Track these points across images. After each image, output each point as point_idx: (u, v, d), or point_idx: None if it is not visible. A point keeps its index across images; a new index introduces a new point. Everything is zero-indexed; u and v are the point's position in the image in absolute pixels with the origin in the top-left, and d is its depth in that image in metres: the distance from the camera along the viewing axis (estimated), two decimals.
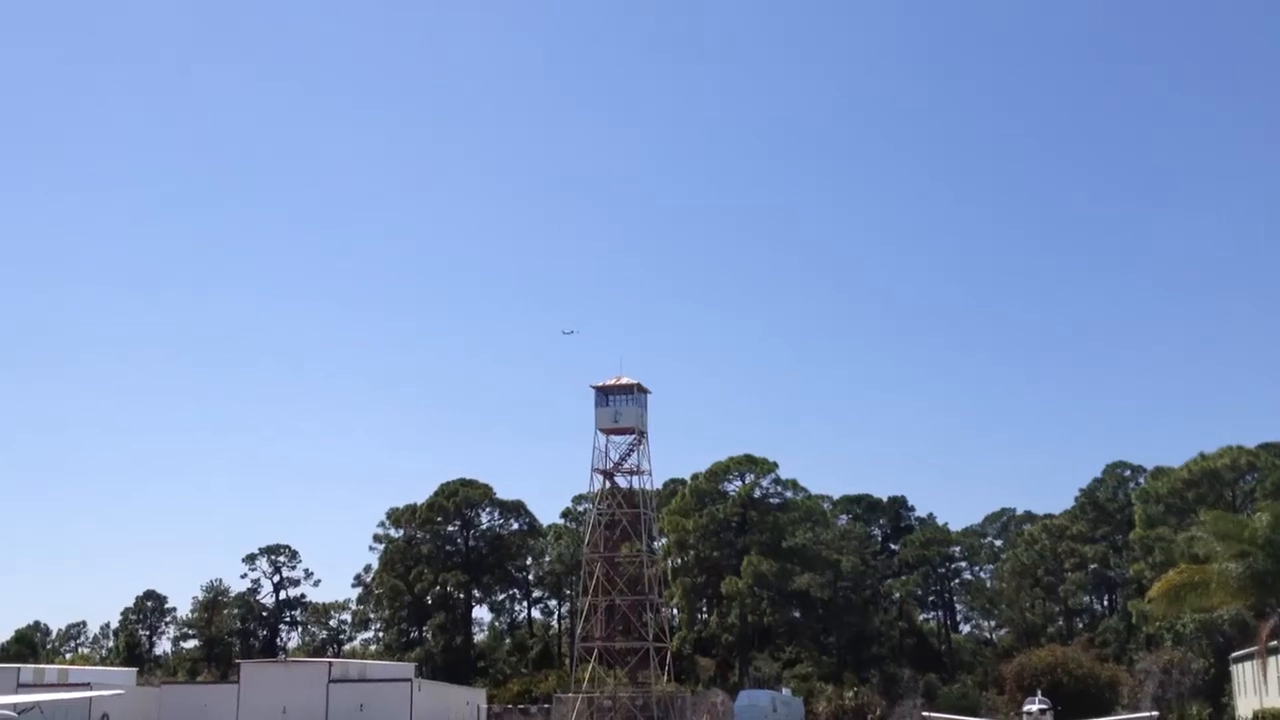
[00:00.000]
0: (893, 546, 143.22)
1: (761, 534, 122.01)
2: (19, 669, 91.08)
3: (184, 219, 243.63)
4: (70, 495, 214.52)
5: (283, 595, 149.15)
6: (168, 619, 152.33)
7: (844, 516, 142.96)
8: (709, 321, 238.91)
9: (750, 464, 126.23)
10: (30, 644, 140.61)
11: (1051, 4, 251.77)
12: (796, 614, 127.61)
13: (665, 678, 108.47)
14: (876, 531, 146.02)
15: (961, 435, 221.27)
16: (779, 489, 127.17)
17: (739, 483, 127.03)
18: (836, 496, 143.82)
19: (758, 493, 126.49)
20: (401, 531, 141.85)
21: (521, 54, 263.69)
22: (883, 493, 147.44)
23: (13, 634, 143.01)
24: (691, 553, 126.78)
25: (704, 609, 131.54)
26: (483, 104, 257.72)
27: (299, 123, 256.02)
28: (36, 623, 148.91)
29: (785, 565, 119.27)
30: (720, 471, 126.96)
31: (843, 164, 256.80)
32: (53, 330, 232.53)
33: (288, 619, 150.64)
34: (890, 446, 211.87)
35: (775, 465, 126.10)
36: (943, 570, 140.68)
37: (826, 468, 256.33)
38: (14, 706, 65.93)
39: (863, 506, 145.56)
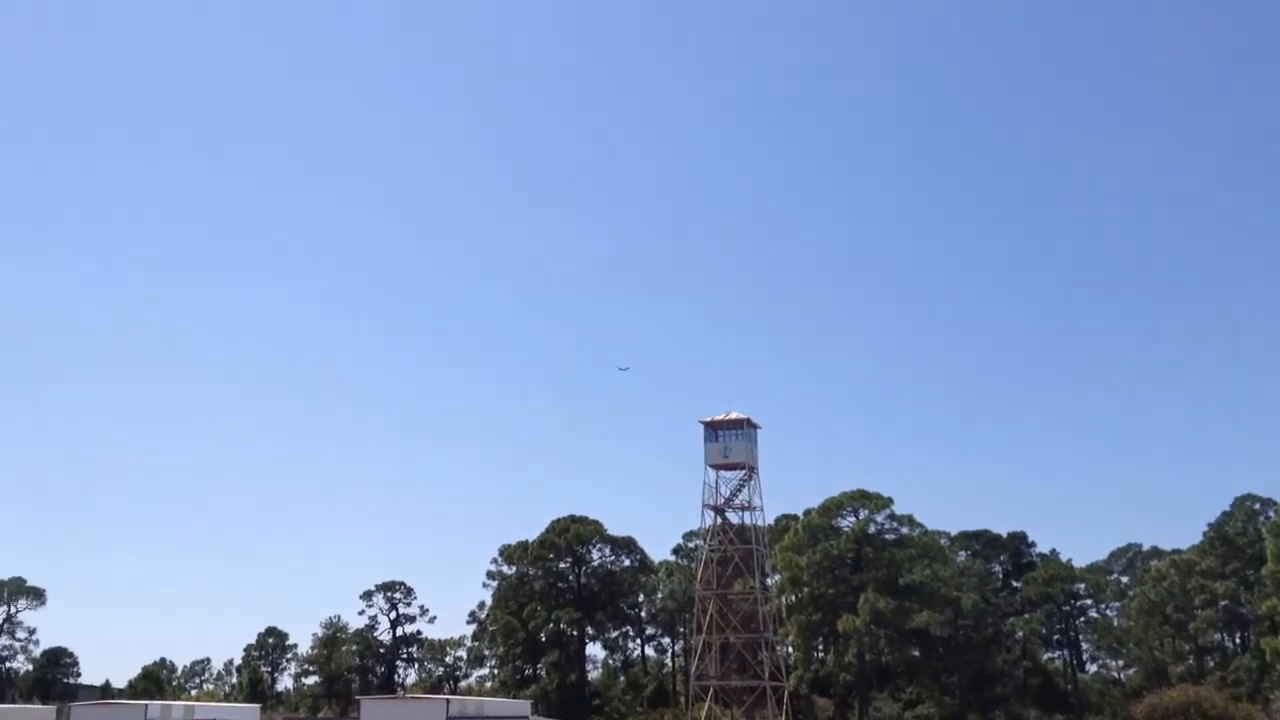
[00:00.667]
0: (1014, 584, 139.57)
1: (878, 570, 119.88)
2: (146, 705, 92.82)
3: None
4: (195, 535, 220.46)
5: (399, 632, 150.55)
6: (289, 655, 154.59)
7: (963, 553, 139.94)
8: (819, 354, 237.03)
9: (864, 499, 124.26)
10: (157, 680, 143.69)
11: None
12: (916, 652, 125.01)
13: (783, 717, 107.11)
14: (997, 568, 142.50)
15: (1085, 470, 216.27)
16: (894, 524, 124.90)
17: (853, 518, 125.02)
18: (954, 533, 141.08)
19: (872, 528, 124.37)
20: (514, 568, 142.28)
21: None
22: (1002, 529, 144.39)
23: (140, 671, 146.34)
24: (806, 589, 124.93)
25: (820, 647, 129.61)
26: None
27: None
28: (163, 659, 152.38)
29: (903, 603, 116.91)
30: (833, 507, 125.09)
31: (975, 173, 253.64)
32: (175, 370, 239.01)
33: (405, 655, 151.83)
34: (1010, 482, 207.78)
35: (890, 500, 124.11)
36: (1067, 608, 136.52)
37: (943, 503, 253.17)
38: None
39: (982, 543, 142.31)
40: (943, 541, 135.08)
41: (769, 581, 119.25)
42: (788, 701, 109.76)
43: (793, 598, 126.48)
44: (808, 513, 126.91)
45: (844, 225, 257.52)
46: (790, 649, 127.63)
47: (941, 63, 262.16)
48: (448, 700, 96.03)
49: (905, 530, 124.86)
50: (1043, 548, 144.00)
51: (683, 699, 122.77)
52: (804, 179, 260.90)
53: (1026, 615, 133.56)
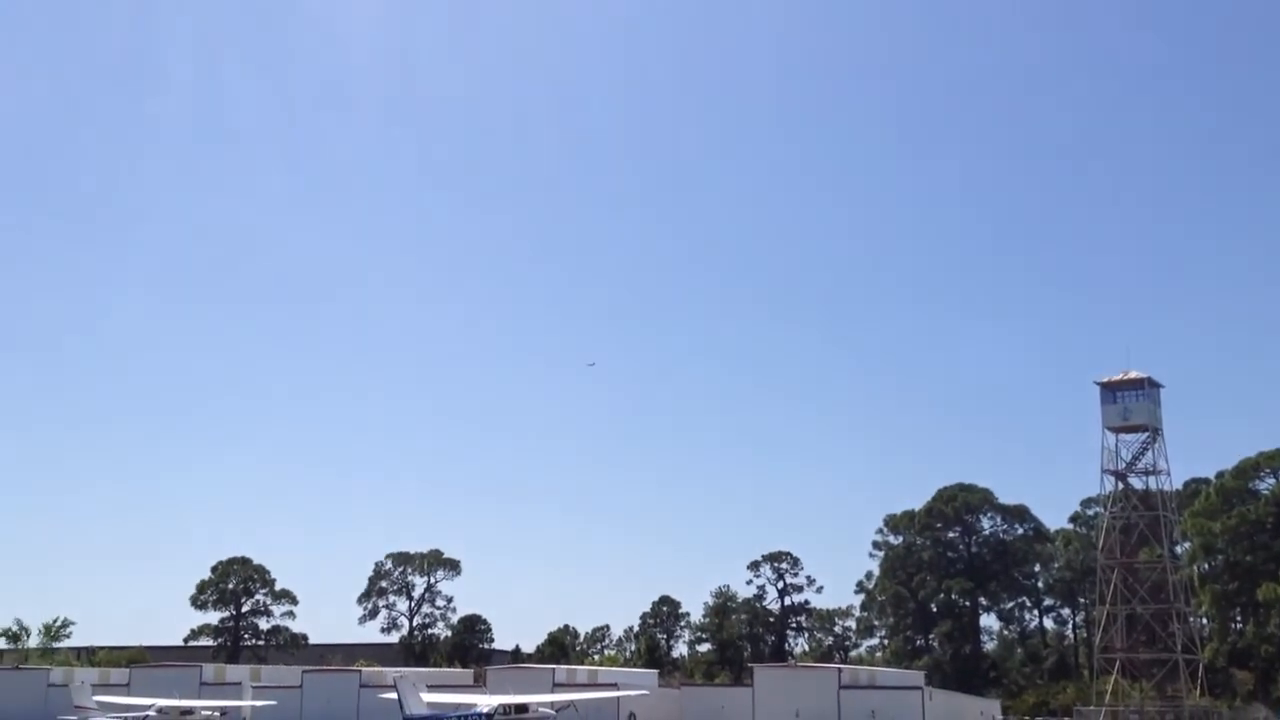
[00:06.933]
0: None
1: None
2: (553, 669, 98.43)
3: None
4: (595, 507, 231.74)
5: (787, 601, 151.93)
6: (682, 623, 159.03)
7: None
8: (1222, 305, 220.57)
9: None
10: (561, 646, 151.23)
11: None
12: None
13: (1197, 691, 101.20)
14: None
15: None
16: None
17: (1272, 480, 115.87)
18: None
19: None
20: (900, 538, 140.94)
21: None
22: None
23: (546, 636, 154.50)
24: (1220, 557, 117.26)
25: (1238, 617, 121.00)
26: None
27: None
28: (566, 626, 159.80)
29: None
30: (1249, 469, 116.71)
31: None
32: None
33: (793, 624, 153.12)
34: None
35: None
36: None
37: None
38: (553, 705, 71.55)
39: None
40: None
41: (1178, 549, 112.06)
42: (1202, 675, 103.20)
43: (1205, 566, 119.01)
44: (1220, 475, 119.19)
45: (1244, 168, 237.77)
46: (1204, 620, 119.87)
47: None
48: (839, 670, 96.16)
49: None
50: None
51: (1086, 672, 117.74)
52: (1207, 123, 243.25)
53: None
